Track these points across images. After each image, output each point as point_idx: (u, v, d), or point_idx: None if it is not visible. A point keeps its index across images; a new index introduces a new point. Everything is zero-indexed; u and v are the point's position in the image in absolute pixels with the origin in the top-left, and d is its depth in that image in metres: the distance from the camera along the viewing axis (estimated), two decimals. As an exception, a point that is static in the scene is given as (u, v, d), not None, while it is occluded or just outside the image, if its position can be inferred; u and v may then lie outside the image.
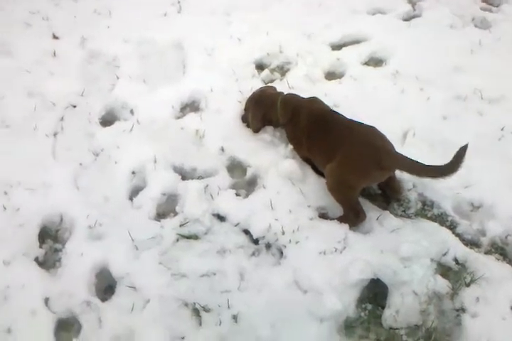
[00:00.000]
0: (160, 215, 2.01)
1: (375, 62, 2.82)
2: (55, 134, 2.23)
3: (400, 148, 2.22)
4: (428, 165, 1.79)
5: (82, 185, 2.04)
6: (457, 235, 2.02)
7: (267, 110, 2.20)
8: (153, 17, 2.93)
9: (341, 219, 1.96)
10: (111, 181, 2.05)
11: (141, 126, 2.28)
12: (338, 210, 2.00)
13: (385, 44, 2.86)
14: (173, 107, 2.39)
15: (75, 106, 2.38)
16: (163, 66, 2.63)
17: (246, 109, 2.31)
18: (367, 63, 2.79)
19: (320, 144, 1.97)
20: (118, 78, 2.51)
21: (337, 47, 2.87)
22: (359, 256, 1.83)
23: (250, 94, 2.33)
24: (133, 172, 2.10)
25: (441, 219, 2.09)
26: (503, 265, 1.91)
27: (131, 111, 2.36)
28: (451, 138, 2.31)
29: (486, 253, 1.98)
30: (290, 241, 1.88)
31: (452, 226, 2.07)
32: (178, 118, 2.38)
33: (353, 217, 1.94)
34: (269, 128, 2.30)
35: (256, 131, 2.28)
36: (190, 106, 2.48)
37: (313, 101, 2.17)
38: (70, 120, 2.30)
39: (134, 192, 2.06)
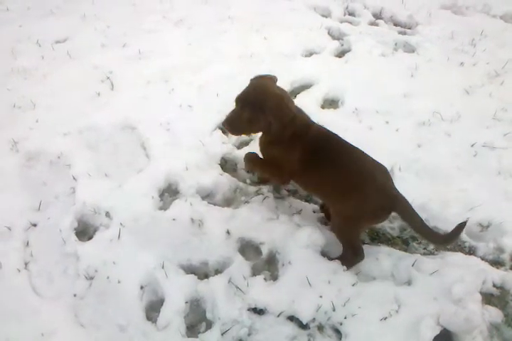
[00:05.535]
0: (191, 328, 1.87)
1: (330, 103, 3.03)
2: (26, 265, 1.98)
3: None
4: (425, 225, 1.89)
5: (86, 321, 1.82)
6: (482, 259, 2.21)
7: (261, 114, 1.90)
8: (86, 99, 2.81)
9: (341, 259, 2.06)
10: (119, 305, 1.86)
11: (127, 230, 2.12)
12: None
13: (333, 84, 3.10)
14: (153, 198, 2.28)
15: (35, 225, 2.14)
16: (120, 153, 2.51)
17: (247, 105, 1.92)
18: (323, 106, 2.99)
19: (328, 175, 1.94)
20: (76, 179, 2.33)
21: (290, 95, 3.01)
22: (418, 312, 1.89)
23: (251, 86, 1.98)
24: (141, 288, 1.94)
25: (460, 246, 2.28)
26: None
27: (108, 215, 2.19)
28: (432, 164, 2.58)
29: (511, 268, 2.19)
30: (346, 316, 1.88)
31: (472, 251, 2.26)
32: (163, 209, 2.27)
33: (351, 257, 2.04)
34: (270, 200, 2.32)
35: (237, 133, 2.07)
36: (169, 191, 2.39)
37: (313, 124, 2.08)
38: (38, 243, 2.06)
39: (152, 310, 1.90)
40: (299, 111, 2.08)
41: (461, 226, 1.87)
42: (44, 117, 2.67)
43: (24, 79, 2.99)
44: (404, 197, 1.93)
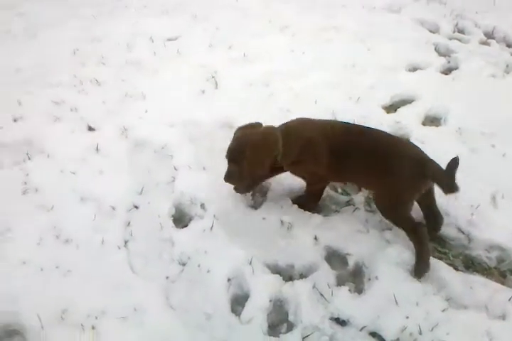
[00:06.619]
0: (272, 327, 1.92)
1: (431, 120, 2.97)
2: (125, 243, 2.15)
3: (492, 213, 2.33)
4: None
5: (176, 304, 1.93)
6: None
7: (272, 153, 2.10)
8: (191, 96, 2.99)
9: (419, 264, 2.03)
10: (207, 294, 1.96)
11: (219, 223, 2.23)
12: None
13: (436, 100, 3.04)
14: (245, 195, 2.38)
15: (137, 208, 2.32)
16: (217, 149, 2.63)
17: (234, 161, 2.14)
18: (424, 123, 2.94)
19: (359, 162, 2.06)
20: (176, 169, 2.49)
21: (390, 109, 3.01)
22: (512, 350, 1.80)
23: (232, 140, 2.19)
24: (228, 280, 2.02)
25: (562, 288, 2.12)
26: None
27: (203, 206, 2.32)
28: (542, 197, 2.43)
29: None
30: (432, 341, 1.83)
31: None
32: (254, 207, 2.36)
33: (413, 235, 2.05)
34: (360, 212, 2.32)
35: (249, 188, 2.31)
36: (260, 191, 2.47)
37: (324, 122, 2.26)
38: (138, 225, 2.23)
39: (236, 304, 1.97)
40: (302, 120, 2.27)
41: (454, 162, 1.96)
42: (152, 108, 2.88)
43: (137, 72, 3.25)
44: (434, 161, 2.03)
